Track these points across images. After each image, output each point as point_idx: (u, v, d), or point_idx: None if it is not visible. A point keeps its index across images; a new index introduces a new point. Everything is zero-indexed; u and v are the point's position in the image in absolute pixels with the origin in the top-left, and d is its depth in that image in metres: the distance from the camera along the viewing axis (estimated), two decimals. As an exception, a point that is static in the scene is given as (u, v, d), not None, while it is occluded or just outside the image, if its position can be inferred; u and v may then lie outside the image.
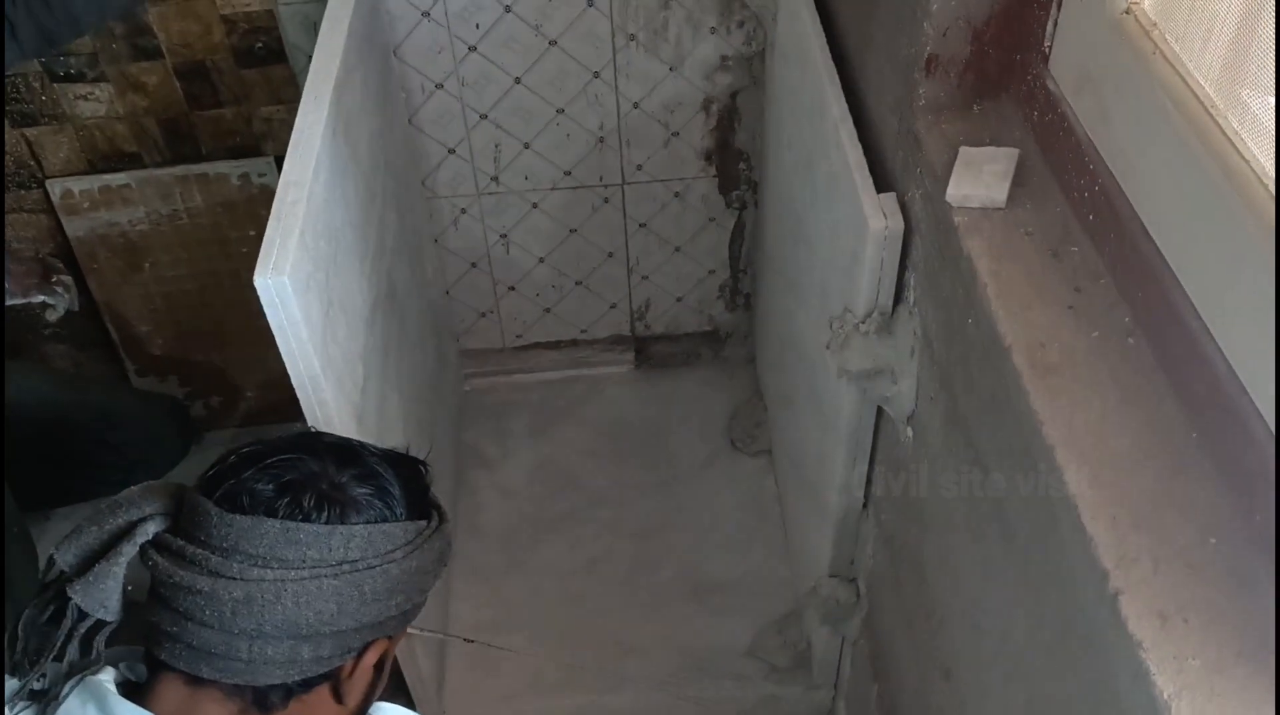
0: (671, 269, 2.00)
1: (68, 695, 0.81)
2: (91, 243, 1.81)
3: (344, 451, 0.86)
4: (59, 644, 0.82)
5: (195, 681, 0.80)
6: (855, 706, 1.58)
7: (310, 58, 1.54)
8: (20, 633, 0.85)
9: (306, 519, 0.80)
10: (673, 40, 1.68)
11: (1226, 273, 0.69)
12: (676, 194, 1.89)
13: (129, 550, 0.81)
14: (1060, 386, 0.78)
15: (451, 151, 1.79)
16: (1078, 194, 0.90)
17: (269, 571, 0.78)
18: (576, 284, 2.01)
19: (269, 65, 1.66)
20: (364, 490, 0.83)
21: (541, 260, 1.96)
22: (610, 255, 1.97)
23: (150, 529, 0.82)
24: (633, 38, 1.67)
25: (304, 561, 0.79)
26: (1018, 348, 0.81)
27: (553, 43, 1.67)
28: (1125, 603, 0.66)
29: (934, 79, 1.00)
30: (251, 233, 1.83)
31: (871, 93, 1.19)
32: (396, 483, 0.85)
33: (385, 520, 0.83)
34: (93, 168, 1.75)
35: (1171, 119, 0.75)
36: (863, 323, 1.13)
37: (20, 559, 1.60)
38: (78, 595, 0.80)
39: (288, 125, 1.70)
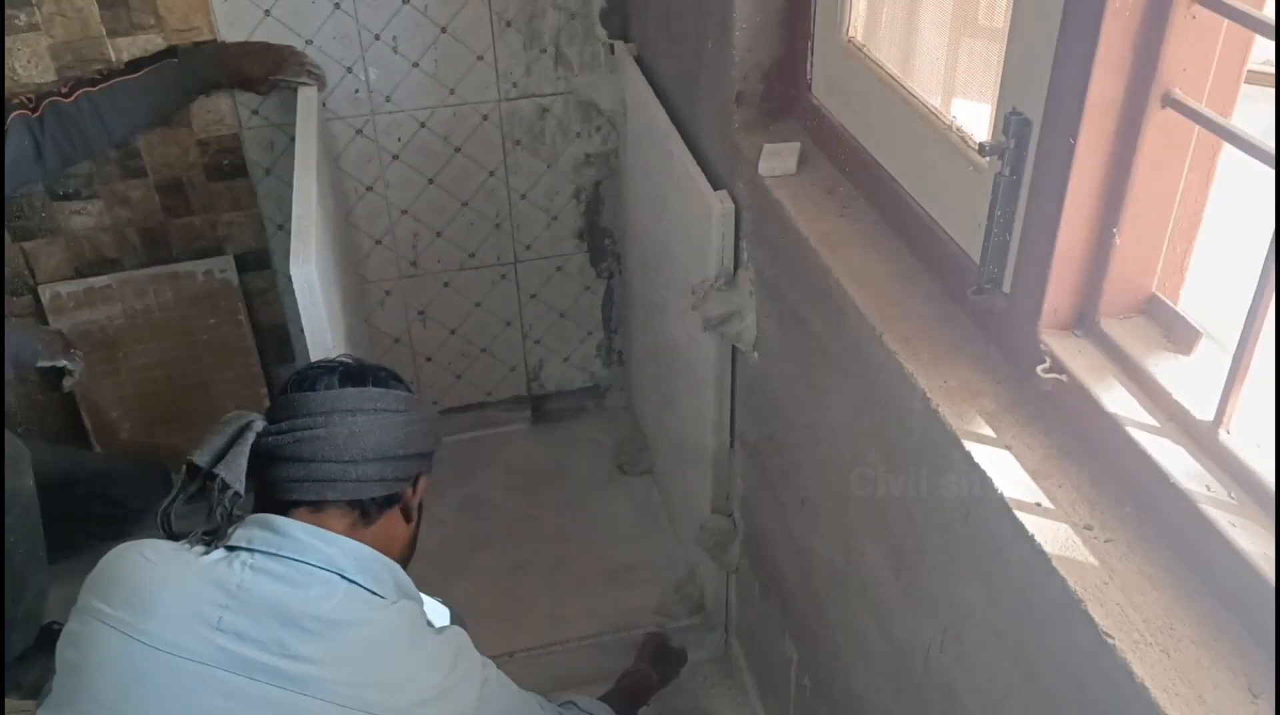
0: (558, 332, 2.48)
1: (233, 532, 1.17)
2: (74, 337, 2.15)
3: (355, 358, 1.31)
4: (211, 510, 1.19)
5: (318, 507, 1.17)
6: (742, 635, 2.00)
7: (267, 171, 2.01)
8: (169, 523, 1.21)
9: (369, 387, 1.22)
10: (548, 143, 2.22)
11: (933, 177, 1.21)
12: (559, 268, 2.39)
13: (250, 437, 1.18)
14: (840, 250, 1.29)
15: (379, 242, 2.25)
16: (840, 159, 1.43)
17: (360, 417, 1.18)
18: (481, 351, 2.46)
19: (233, 178, 2.10)
20: (387, 375, 1.27)
21: (453, 332, 2.41)
22: (508, 324, 2.44)
23: (258, 424, 1.20)
24: (518, 142, 2.20)
25: (378, 409, 1.20)
26: (814, 238, 1.32)
27: (457, 149, 2.18)
28: (887, 337, 1.15)
29: (743, 108, 1.54)
30: (212, 322, 2.21)
31: (702, 134, 1.72)
32: (400, 378, 1.29)
33: (404, 390, 1.26)
34: (78, 273, 2.13)
35: (884, 95, 1.29)
36: (715, 282, 1.63)
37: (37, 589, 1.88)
38: (223, 472, 1.17)
39: (246, 229, 2.15)
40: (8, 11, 1.84)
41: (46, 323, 2.13)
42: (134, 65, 1.90)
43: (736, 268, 1.62)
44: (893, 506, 1.22)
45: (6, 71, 1.89)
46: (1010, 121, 1.00)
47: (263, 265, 2.21)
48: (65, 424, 2.26)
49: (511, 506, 2.36)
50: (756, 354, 1.62)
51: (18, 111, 1.80)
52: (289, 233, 2.17)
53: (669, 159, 1.79)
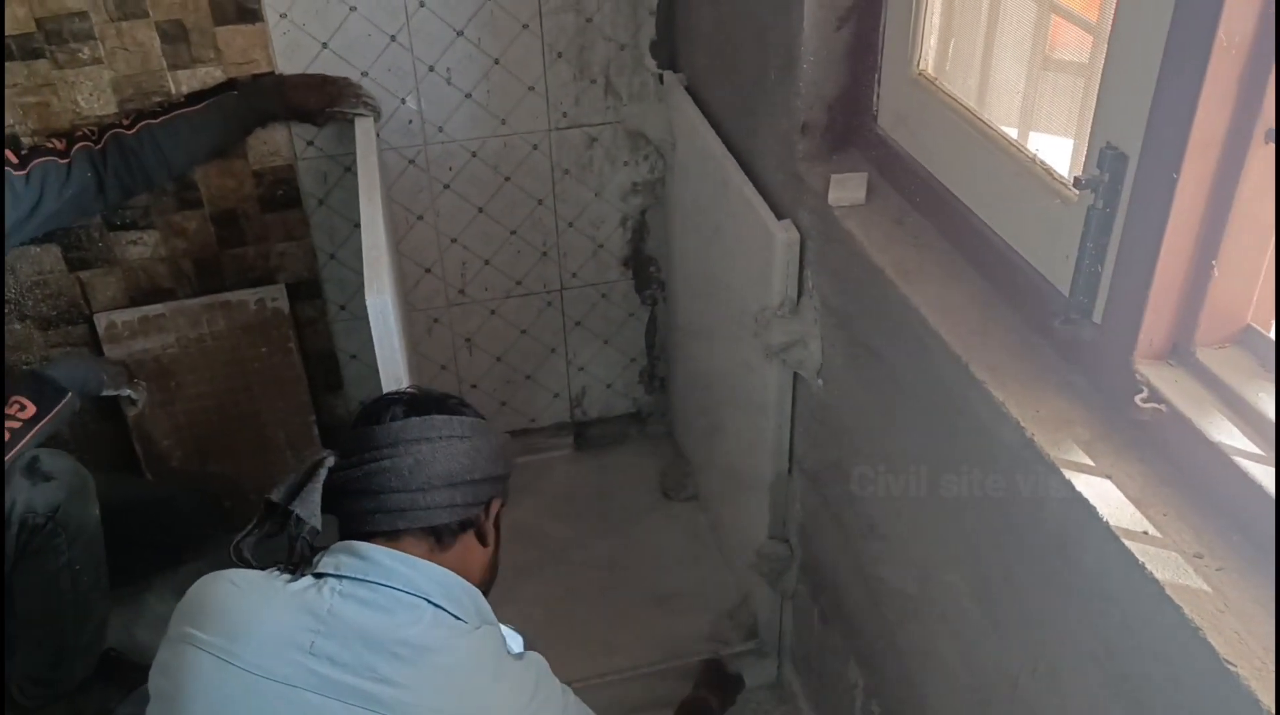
0: (602, 359, 2.50)
1: (319, 560, 1.19)
2: (129, 366, 2.17)
3: (422, 387, 1.33)
4: (290, 545, 1.21)
5: (394, 537, 1.20)
6: (798, 661, 2.00)
7: (320, 201, 2.04)
8: (241, 553, 1.23)
9: (433, 415, 1.23)
10: (596, 172, 2.24)
11: (1013, 208, 1.23)
12: (603, 295, 2.40)
13: (322, 474, 1.21)
14: (915, 280, 1.30)
15: (428, 270, 2.27)
16: (907, 190, 1.45)
17: (424, 445, 1.20)
18: (526, 378, 2.47)
19: (286, 209, 2.12)
20: (454, 402, 1.29)
21: (498, 359, 2.43)
22: (553, 351, 2.45)
23: (329, 460, 1.23)
24: (566, 171, 2.22)
25: (441, 436, 1.21)
26: (888, 268, 1.34)
27: (507, 178, 2.20)
28: (973, 367, 1.16)
29: (807, 138, 1.56)
30: (263, 350, 2.23)
31: (759, 163, 1.74)
32: (469, 406, 1.32)
33: (473, 417, 1.28)
34: (133, 302, 2.14)
35: (959, 127, 1.31)
36: (778, 310, 1.64)
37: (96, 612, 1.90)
38: (298, 508, 1.20)
39: (298, 258, 2.17)
40: (71, 46, 1.87)
41: (101, 352, 2.15)
42: (194, 98, 1.93)
43: (800, 296, 1.64)
44: (977, 534, 1.23)
45: (69, 104, 1.91)
46: (1105, 155, 1.01)
47: (313, 294, 2.23)
48: (116, 452, 2.27)
49: (558, 533, 2.37)
50: (821, 381, 1.63)
51: (81, 144, 1.83)
52: (340, 262, 2.21)
53: (725, 188, 1.81)
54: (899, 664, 1.52)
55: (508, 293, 2.35)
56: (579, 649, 2.09)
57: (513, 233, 2.27)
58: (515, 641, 1.38)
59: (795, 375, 1.71)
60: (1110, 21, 1.02)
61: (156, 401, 2.20)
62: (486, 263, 2.29)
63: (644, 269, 2.40)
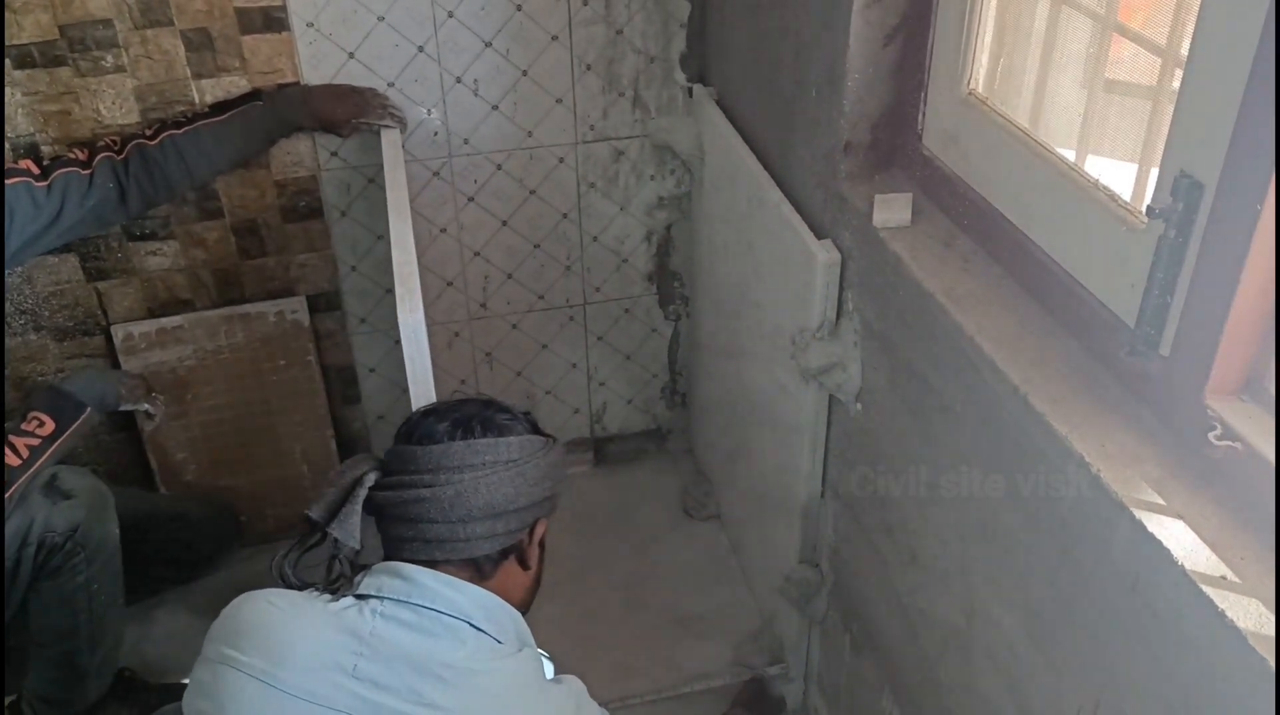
0: (623, 375, 2.46)
1: (361, 580, 1.16)
2: (146, 380, 2.13)
3: (481, 400, 1.27)
4: (328, 563, 1.18)
5: (432, 564, 1.16)
6: (825, 687, 1.96)
7: (342, 213, 2.01)
8: (283, 571, 1.20)
9: (478, 438, 1.19)
10: (622, 186, 2.21)
11: (1073, 234, 1.19)
12: (626, 310, 2.37)
13: (361, 494, 1.19)
14: (967, 306, 1.27)
15: (449, 284, 2.23)
16: (954, 211, 1.42)
17: (466, 474, 1.16)
18: (546, 393, 2.44)
19: (308, 220, 2.08)
20: (505, 417, 1.23)
21: (518, 374, 2.39)
22: (574, 366, 2.42)
23: (370, 477, 1.20)
24: (592, 185, 2.19)
25: (484, 464, 1.17)
26: (940, 293, 1.30)
27: (532, 192, 2.16)
28: (1033, 398, 1.12)
29: (850, 157, 1.53)
30: (282, 363, 2.19)
31: (796, 181, 1.70)
32: (520, 417, 1.26)
33: (523, 434, 1.22)
34: (151, 313, 2.11)
35: (1014, 149, 1.28)
36: (816, 332, 1.61)
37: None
38: (335, 530, 1.17)
39: (318, 270, 2.14)
40: (94, 53, 1.84)
41: (118, 363, 2.11)
42: (218, 108, 1.89)
43: (839, 317, 1.60)
44: (1031, 569, 1.19)
45: (91, 113, 1.88)
46: (1180, 184, 0.98)
47: (333, 306, 2.19)
48: (130, 465, 2.24)
49: (578, 552, 2.33)
50: (860, 406, 1.59)
51: (103, 154, 1.79)
52: (361, 274, 2.18)
53: (760, 205, 1.78)
54: (938, 697, 1.48)
55: (530, 307, 2.31)
56: (598, 672, 2.05)
57: (536, 247, 2.23)
58: (548, 666, 1.36)
59: (831, 397, 1.68)
60: (1185, 44, 0.99)
61: (172, 414, 2.16)
62: (509, 277, 2.26)
63: (668, 284, 2.36)
